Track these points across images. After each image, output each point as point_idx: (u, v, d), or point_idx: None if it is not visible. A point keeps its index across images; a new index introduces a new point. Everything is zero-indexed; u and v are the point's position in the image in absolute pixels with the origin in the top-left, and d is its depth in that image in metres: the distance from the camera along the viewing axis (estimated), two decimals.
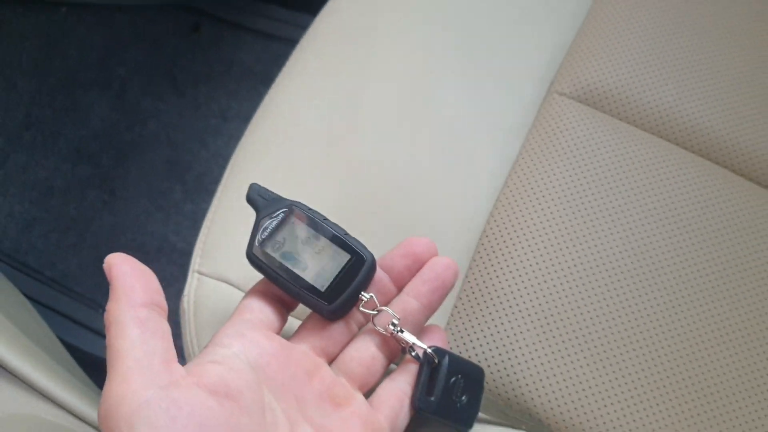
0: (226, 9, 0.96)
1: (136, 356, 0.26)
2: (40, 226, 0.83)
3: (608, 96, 0.46)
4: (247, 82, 0.92)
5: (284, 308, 0.33)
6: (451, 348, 0.37)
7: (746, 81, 0.48)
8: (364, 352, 0.32)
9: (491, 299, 0.39)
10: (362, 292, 0.32)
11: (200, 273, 0.40)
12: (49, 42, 0.93)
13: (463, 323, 0.39)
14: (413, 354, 0.33)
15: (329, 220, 0.33)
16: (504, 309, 0.39)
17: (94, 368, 0.56)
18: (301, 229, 0.33)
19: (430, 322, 0.35)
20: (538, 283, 0.39)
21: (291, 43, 0.50)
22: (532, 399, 0.37)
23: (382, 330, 0.32)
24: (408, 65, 0.46)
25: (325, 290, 0.32)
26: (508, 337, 0.38)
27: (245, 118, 0.90)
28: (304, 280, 0.32)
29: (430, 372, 0.32)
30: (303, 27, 0.50)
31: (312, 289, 0.32)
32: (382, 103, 0.45)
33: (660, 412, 0.37)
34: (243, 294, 0.33)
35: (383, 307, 0.32)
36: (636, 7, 0.49)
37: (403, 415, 0.32)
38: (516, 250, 0.40)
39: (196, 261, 0.41)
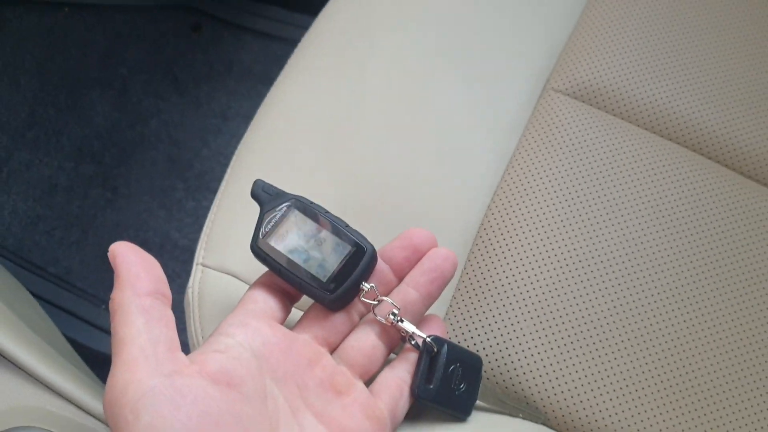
0: (227, 9, 0.96)
1: (140, 344, 0.27)
2: (43, 224, 0.84)
3: (603, 93, 0.47)
4: (247, 81, 0.93)
5: (287, 299, 0.33)
6: (450, 338, 0.38)
7: (739, 78, 0.48)
8: (365, 341, 0.33)
9: (489, 290, 0.40)
10: (363, 283, 0.33)
11: (204, 266, 0.41)
12: (52, 42, 0.94)
13: (462, 314, 0.39)
14: (413, 343, 0.33)
15: (330, 213, 0.34)
16: (501, 300, 0.39)
17: (96, 364, 0.57)
18: (304, 222, 0.33)
19: (429, 312, 0.35)
20: (535, 275, 0.40)
21: (291, 43, 0.51)
22: (529, 387, 0.38)
23: (382, 320, 0.33)
24: (406, 64, 0.47)
25: (327, 281, 0.32)
26: (505, 327, 0.39)
27: (245, 117, 0.90)
28: (306, 271, 0.32)
29: (429, 361, 0.33)
30: (303, 27, 0.51)
31: (314, 279, 0.32)
32: (381, 101, 0.46)
33: (655, 400, 0.38)
34: (247, 286, 0.34)
35: (384, 298, 0.33)
36: (630, 6, 0.50)
37: (403, 403, 0.32)
38: (513, 242, 0.41)
39: (200, 254, 0.41)
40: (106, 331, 0.77)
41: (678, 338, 0.40)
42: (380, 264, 0.34)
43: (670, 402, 0.38)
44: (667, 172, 0.45)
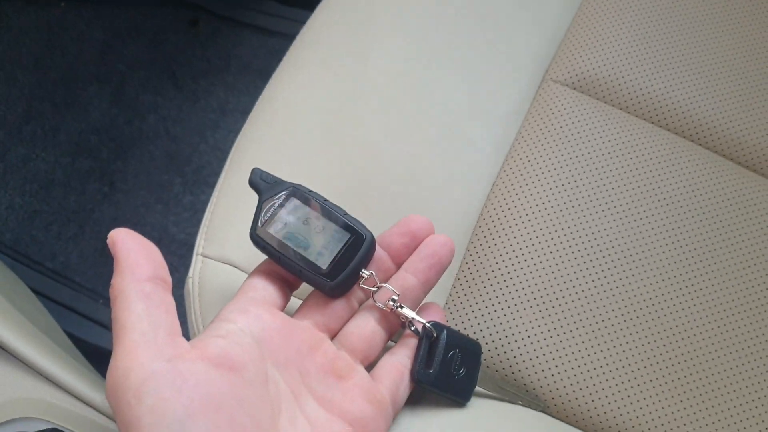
0: (224, 5, 0.97)
1: (141, 329, 0.27)
2: (40, 218, 0.84)
3: (601, 83, 0.48)
4: (244, 76, 0.93)
5: (287, 287, 0.33)
6: (449, 326, 0.38)
7: (734, 68, 0.49)
8: (365, 327, 0.33)
9: (488, 278, 0.40)
10: (362, 270, 0.33)
11: (204, 256, 0.41)
12: (49, 37, 0.94)
13: (461, 302, 0.40)
14: (412, 329, 0.33)
15: (329, 201, 0.34)
16: (501, 288, 0.40)
17: (95, 358, 0.57)
18: (302, 210, 0.33)
19: (430, 301, 0.36)
20: (534, 263, 0.40)
21: (288, 38, 0.51)
22: (529, 375, 0.38)
23: (382, 306, 0.33)
24: (405, 55, 0.47)
25: (326, 268, 0.32)
26: (504, 315, 0.39)
27: (243, 112, 0.90)
28: (306, 258, 0.32)
29: (429, 346, 0.33)
30: (300, 22, 0.51)
31: (314, 267, 0.32)
32: (379, 92, 0.46)
33: (654, 387, 0.38)
34: (246, 275, 0.34)
35: (383, 284, 0.33)
36: None
37: (404, 388, 0.33)
38: (512, 231, 0.41)
39: (200, 244, 0.41)
40: (105, 325, 0.77)
41: (676, 324, 0.40)
42: (379, 251, 0.34)
43: (669, 388, 0.38)
44: (665, 162, 0.45)
